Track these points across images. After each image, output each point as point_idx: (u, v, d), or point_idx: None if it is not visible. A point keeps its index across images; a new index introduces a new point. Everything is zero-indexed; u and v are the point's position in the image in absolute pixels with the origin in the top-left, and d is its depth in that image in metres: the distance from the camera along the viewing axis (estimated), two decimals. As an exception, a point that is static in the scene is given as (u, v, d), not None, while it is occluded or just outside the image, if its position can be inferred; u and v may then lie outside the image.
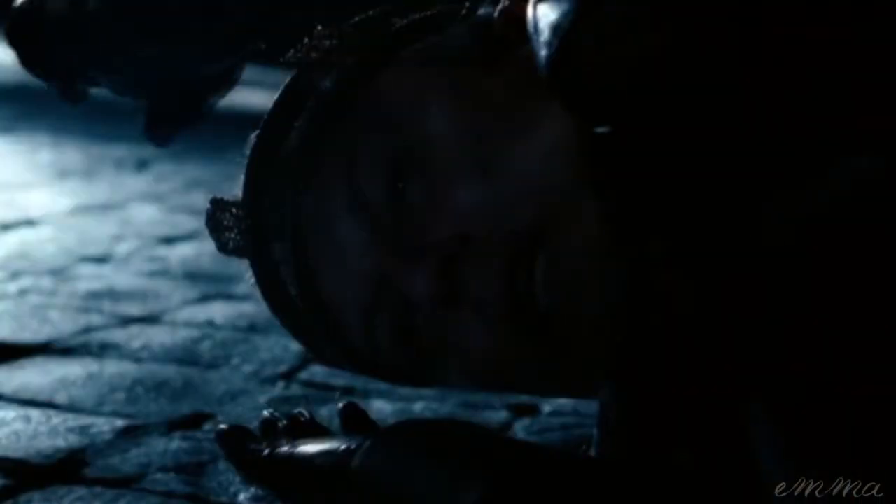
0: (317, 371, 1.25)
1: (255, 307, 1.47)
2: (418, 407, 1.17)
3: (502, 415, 1.15)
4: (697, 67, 0.67)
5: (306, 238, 0.81)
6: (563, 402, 1.17)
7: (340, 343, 0.84)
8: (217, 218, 0.87)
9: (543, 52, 0.71)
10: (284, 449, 0.85)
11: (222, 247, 0.88)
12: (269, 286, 0.85)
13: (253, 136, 0.86)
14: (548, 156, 0.74)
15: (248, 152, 0.85)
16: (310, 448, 0.83)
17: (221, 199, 0.87)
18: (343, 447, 0.81)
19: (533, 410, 1.16)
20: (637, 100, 0.69)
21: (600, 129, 0.71)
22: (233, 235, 0.86)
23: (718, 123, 0.67)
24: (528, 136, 0.75)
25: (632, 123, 0.70)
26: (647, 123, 0.69)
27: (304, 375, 1.25)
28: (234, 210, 0.86)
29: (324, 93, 0.83)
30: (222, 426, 0.90)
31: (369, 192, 0.79)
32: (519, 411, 1.16)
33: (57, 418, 1.09)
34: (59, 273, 1.65)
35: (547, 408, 1.16)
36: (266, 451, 0.85)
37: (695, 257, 0.70)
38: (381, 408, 1.15)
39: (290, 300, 0.84)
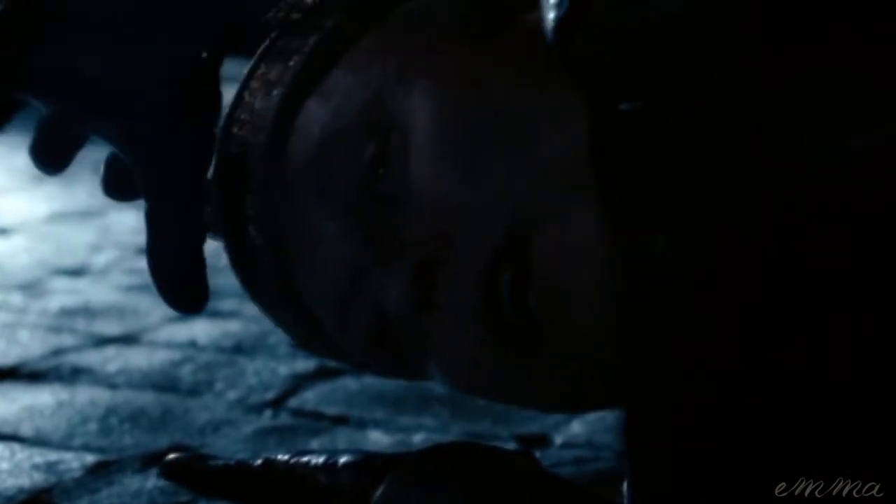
0: (308, 398, 1.20)
1: (240, 326, 1.43)
2: (418, 439, 1.11)
3: (510, 447, 1.07)
4: (715, 37, 0.64)
5: (278, 221, 0.77)
6: (577, 433, 1.11)
7: (317, 334, 0.80)
8: None
9: (551, 15, 0.67)
10: (282, 458, 0.81)
11: None
12: (245, 270, 0.80)
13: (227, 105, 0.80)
14: (539, 157, 0.69)
15: (220, 122, 0.80)
16: (313, 464, 0.79)
17: None
18: (363, 472, 0.77)
19: (543, 441, 1.10)
20: (651, 71, 0.65)
21: (609, 105, 0.67)
22: (207, 210, 0.81)
23: (733, 101, 0.64)
24: (516, 133, 0.70)
25: (643, 98, 0.66)
26: (659, 98, 0.65)
27: (293, 403, 1.19)
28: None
29: (301, 58, 0.77)
30: (171, 456, 0.84)
31: (343, 176, 0.74)
32: (528, 443, 1.10)
33: (21, 453, 1.04)
34: (30, 288, 1.61)
35: (559, 439, 1.11)
36: (258, 462, 0.81)
37: (699, 259, 0.66)
38: (377, 439, 1.10)
39: (266, 285, 0.80)
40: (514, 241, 0.69)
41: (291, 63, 0.77)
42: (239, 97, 0.79)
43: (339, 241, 0.74)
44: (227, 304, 1.50)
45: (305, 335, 0.82)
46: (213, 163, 0.79)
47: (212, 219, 0.80)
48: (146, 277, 1.71)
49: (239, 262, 0.80)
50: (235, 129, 0.78)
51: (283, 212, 0.76)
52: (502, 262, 0.70)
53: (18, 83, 0.77)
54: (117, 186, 0.82)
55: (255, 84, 0.78)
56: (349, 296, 0.75)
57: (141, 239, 2.06)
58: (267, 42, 0.79)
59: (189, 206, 0.79)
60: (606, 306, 0.68)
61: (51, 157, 0.79)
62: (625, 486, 0.79)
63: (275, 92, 0.77)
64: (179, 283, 0.79)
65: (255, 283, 0.80)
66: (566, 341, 0.70)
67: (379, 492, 0.75)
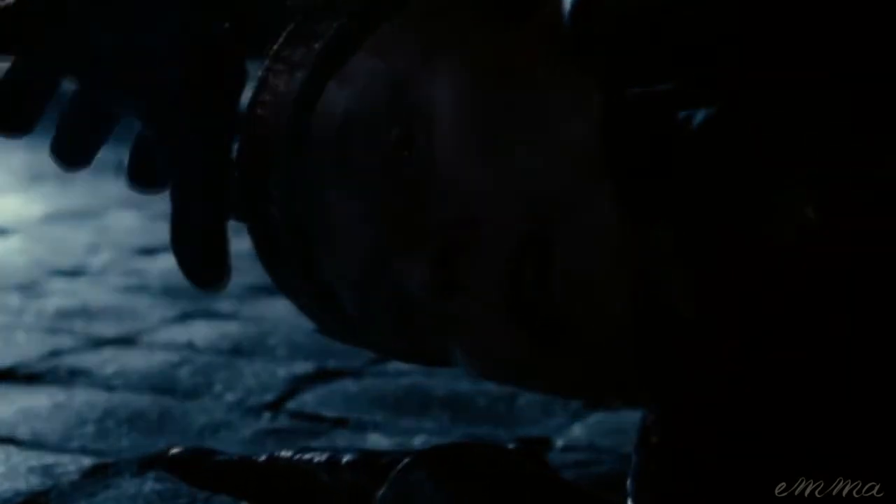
0: (307, 400, 1.20)
1: (238, 327, 1.42)
2: (418, 442, 1.10)
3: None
4: (724, 24, 0.64)
5: (300, 203, 0.77)
6: (578, 436, 1.11)
7: (339, 318, 0.80)
8: None
9: None
10: (285, 455, 0.81)
11: None
12: (268, 253, 0.80)
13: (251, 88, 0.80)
14: (561, 142, 0.69)
15: (245, 103, 0.80)
16: (316, 462, 0.80)
17: None
18: (365, 471, 0.77)
19: (544, 444, 1.10)
20: (661, 57, 0.65)
21: (621, 94, 0.67)
22: (230, 196, 0.81)
23: (739, 91, 0.64)
24: (538, 119, 0.70)
25: (652, 84, 0.66)
26: (668, 85, 0.65)
27: (292, 405, 1.18)
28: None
29: (325, 41, 0.77)
30: (174, 451, 0.84)
31: (366, 159, 0.74)
32: (529, 446, 1.07)
33: (18, 456, 1.03)
34: (27, 289, 1.60)
35: (560, 442, 1.10)
36: (262, 458, 0.81)
37: (700, 250, 0.66)
38: (377, 442, 1.09)
39: (289, 268, 0.80)
40: (538, 225, 0.69)
41: (316, 46, 0.77)
42: (263, 79, 0.79)
43: (362, 224, 0.74)
44: (226, 306, 1.50)
45: (329, 320, 0.81)
46: (237, 144, 0.79)
47: (235, 200, 0.80)
48: (144, 278, 1.72)
49: (262, 244, 0.80)
50: (259, 111, 0.78)
51: (305, 194, 0.76)
52: (526, 247, 0.69)
53: (44, 62, 0.76)
54: (141, 176, 0.82)
55: (279, 66, 0.78)
56: (371, 280, 0.75)
57: (139, 240, 2.05)
58: (292, 24, 0.79)
59: (212, 182, 0.78)
60: (624, 294, 0.68)
61: (74, 153, 0.79)
62: (628, 485, 0.78)
63: (298, 74, 0.77)
64: (201, 260, 0.79)
65: (279, 266, 0.80)
66: (584, 329, 0.70)
67: (381, 491, 0.75)
